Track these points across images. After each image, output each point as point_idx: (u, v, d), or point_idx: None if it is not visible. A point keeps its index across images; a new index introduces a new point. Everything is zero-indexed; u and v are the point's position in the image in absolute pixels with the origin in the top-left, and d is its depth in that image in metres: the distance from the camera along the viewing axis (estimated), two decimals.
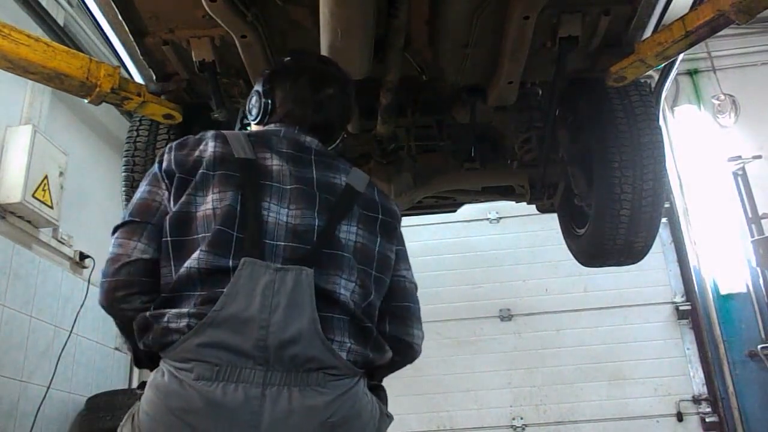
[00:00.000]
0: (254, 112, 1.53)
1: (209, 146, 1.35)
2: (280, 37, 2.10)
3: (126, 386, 4.82)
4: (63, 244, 4.29)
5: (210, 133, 1.40)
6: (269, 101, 1.50)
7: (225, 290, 1.18)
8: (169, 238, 1.27)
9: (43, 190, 3.90)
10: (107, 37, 2.19)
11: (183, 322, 1.18)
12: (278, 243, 1.26)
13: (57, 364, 3.98)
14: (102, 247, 5.37)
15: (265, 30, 2.02)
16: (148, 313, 1.23)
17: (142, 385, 1.27)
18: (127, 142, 2.58)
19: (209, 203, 1.27)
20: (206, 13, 1.88)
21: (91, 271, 4.45)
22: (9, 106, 3.93)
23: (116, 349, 4.88)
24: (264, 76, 1.55)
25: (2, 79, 3.26)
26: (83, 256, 4.46)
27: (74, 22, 4.41)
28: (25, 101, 4.04)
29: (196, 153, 1.35)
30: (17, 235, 3.82)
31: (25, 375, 3.76)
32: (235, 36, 1.98)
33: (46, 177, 3.93)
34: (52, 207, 3.98)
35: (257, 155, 1.36)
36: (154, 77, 2.31)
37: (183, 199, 1.29)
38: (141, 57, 2.20)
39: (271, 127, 1.48)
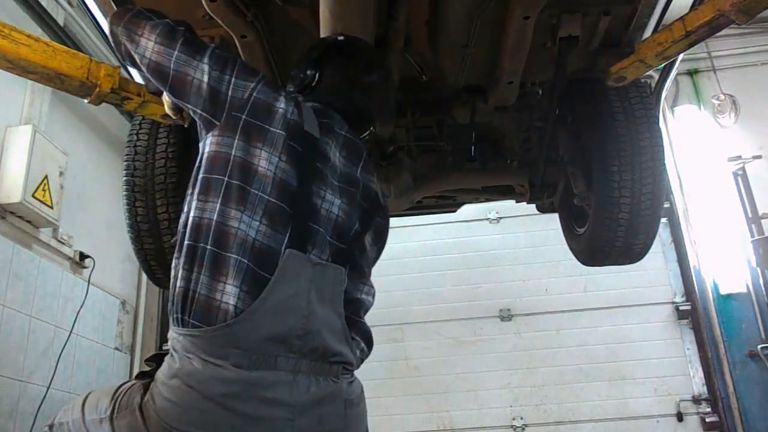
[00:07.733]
0: (297, 81, 1.51)
1: (288, 108, 1.34)
2: (280, 37, 2.10)
3: None
4: (63, 244, 4.28)
5: (285, 94, 1.38)
6: (316, 73, 1.49)
7: (272, 277, 1.19)
8: (233, 182, 1.24)
9: (43, 190, 3.90)
10: (107, 37, 2.19)
11: (231, 304, 1.17)
12: (326, 236, 1.29)
13: (57, 364, 3.97)
14: (102, 247, 5.33)
15: (265, 30, 2.02)
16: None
17: (141, 374, 1.28)
18: (127, 146, 2.57)
19: (273, 166, 1.26)
20: (206, 13, 1.88)
21: (91, 271, 4.43)
22: (9, 106, 3.92)
23: (116, 349, 4.88)
24: (317, 49, 1.54)
25: (2, 79, 3.25)
26: (83, 256, 4.45)
27: (74, 22, 4.40)
28: (25, 101, 4.03)
29: (276, 105, 1.33)
30: (17, 235, 3.82)
31: (25, 375, 3.76)
32: (235, 36, 1.98)
33: (46, 177, 3.92)
34: (52, 207, 3.97)
35: (321, 138, 1.37)
36: None
37: (250, 146, 1.27)
38: None
39: (318, 105, 1.46)
